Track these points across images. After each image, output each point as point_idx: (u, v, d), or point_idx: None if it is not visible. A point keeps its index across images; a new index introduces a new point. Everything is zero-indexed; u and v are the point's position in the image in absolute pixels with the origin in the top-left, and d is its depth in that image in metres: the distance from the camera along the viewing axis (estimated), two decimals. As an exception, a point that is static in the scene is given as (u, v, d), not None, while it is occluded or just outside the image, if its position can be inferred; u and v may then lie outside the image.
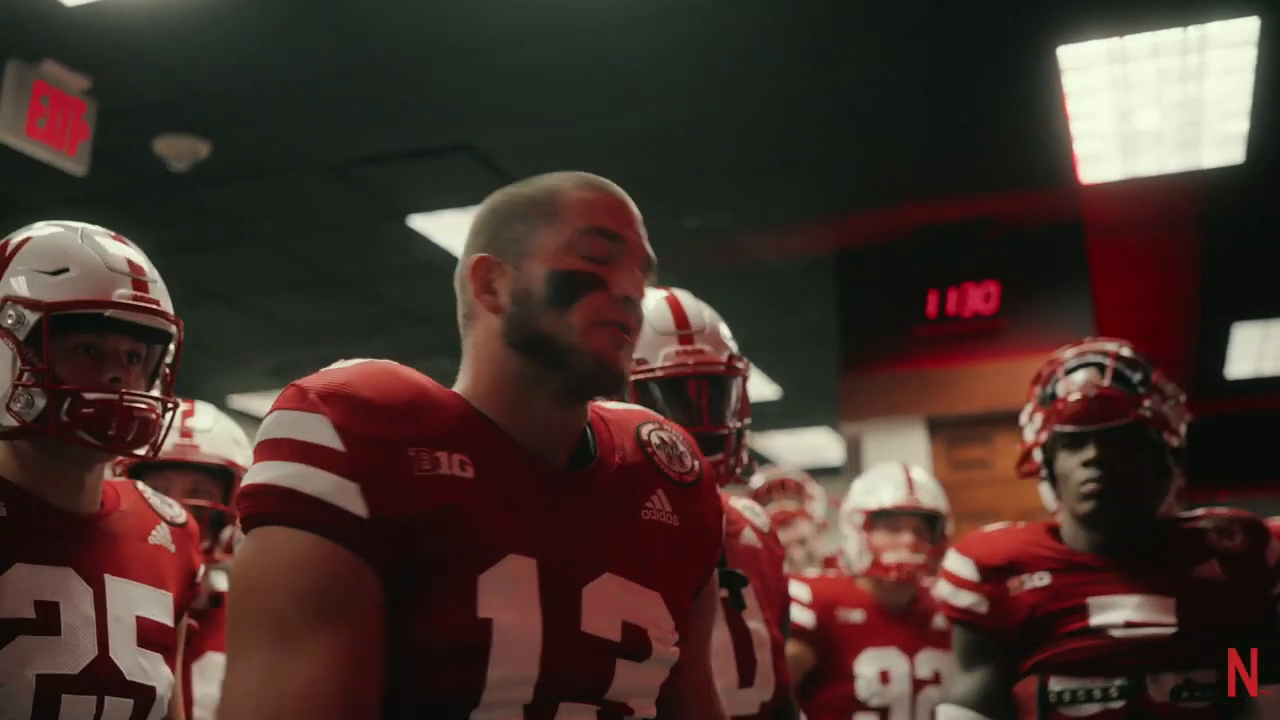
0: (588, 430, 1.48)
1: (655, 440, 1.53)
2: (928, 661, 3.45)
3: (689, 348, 2.13)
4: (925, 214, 6.55)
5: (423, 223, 6.41)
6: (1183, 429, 2.35)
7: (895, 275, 6.84)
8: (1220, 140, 5.67)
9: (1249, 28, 4.76)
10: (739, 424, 2.14)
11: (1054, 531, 2.39)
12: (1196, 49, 4.92)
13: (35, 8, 4.42)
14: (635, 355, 1.77)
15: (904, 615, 3.54)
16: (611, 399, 1.60)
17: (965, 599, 2.36)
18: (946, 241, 6.67)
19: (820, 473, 8.38)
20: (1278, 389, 9.78)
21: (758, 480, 5.00)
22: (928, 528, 3.56)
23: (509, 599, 1.28)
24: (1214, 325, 8.51)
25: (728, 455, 2.09)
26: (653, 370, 2.10)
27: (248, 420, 10.26)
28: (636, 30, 4.72)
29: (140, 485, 2.03)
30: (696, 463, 1.55)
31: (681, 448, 1.55)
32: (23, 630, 1.70)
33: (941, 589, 2.44)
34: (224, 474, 2.78)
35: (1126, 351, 2.37)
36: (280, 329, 8.15)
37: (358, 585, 1.24)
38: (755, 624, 2.13)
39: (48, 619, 1.73)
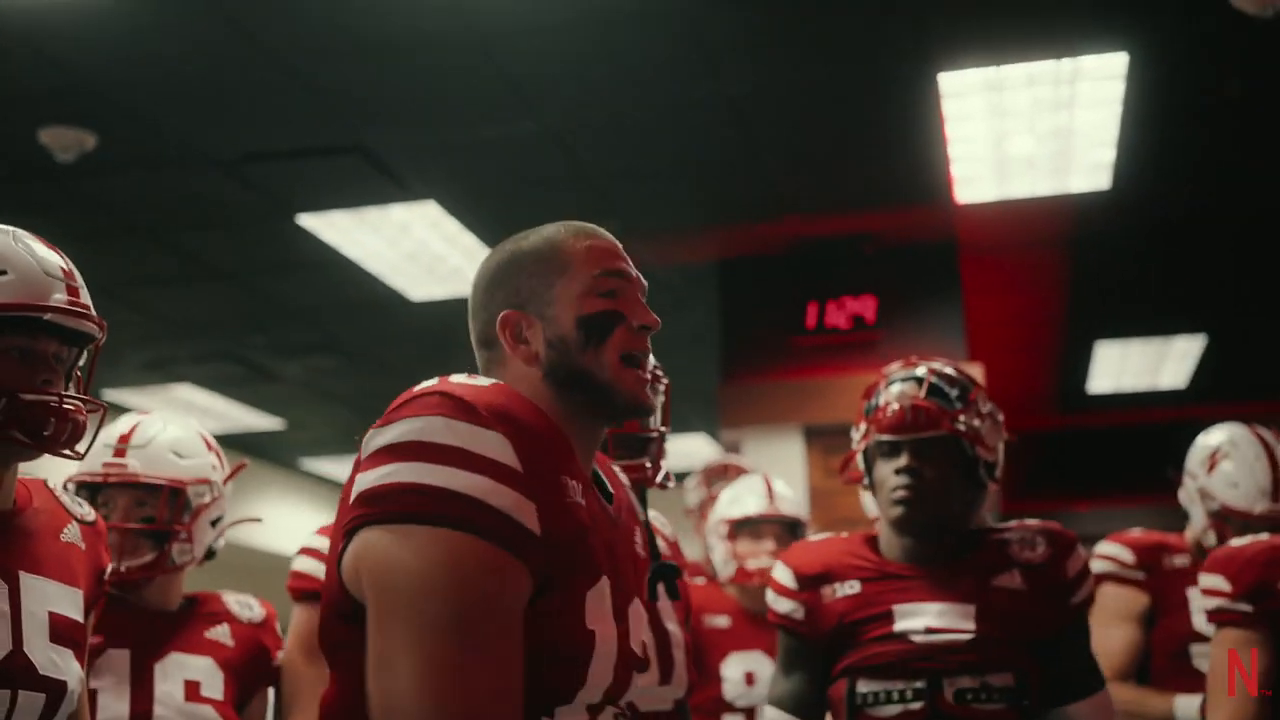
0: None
1: (627, 481, 1.74)
2: None
3: None
4: (807, 227, 6.71)
5: (311, 221, 6.39)
6: (999, 446, 2.47)
7: (776, 286, 6.98)
8: (1089, 167, 5.92)
9: (1118, 62, 4.99)
10: (661, 429, 2.27)
11: (872, 541, 2.50)
12: (1069, 80, 5.14)
13: (-79, -6, 4.36)
14: None
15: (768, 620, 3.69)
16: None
17: (784, 605, 2.48)
18: (826, 255, 6.84)
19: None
20: (1136, 405, 10.17)
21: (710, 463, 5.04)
22: (789, 535, 3.72)
23: (602, 614, 1.44)
24: (1078, 343, 8.83)
25: (653, 460, 2.22)
26: None
27: (120, 413, 10.08)
28: (529, 37, 4.79)
29: (51, 484, 2.06)
30: (640, 505, 1.76)
31: (634, 489, 1.77)
32: None
33: (767, 595, 2.56)
34: (172, 492, 2.68)
35: (947, 369, 2.48)
36: (159, 323, 8.04)
37: (523, 594, 1.36)
38: (672, 625, 2.27)
39: None
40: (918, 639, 2.29)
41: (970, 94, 5.24)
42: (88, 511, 2.06)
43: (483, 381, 1.46)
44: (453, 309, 7.62)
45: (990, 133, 5.58)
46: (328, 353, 8.74)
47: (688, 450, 11.14)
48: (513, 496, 1.35)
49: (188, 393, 9.72)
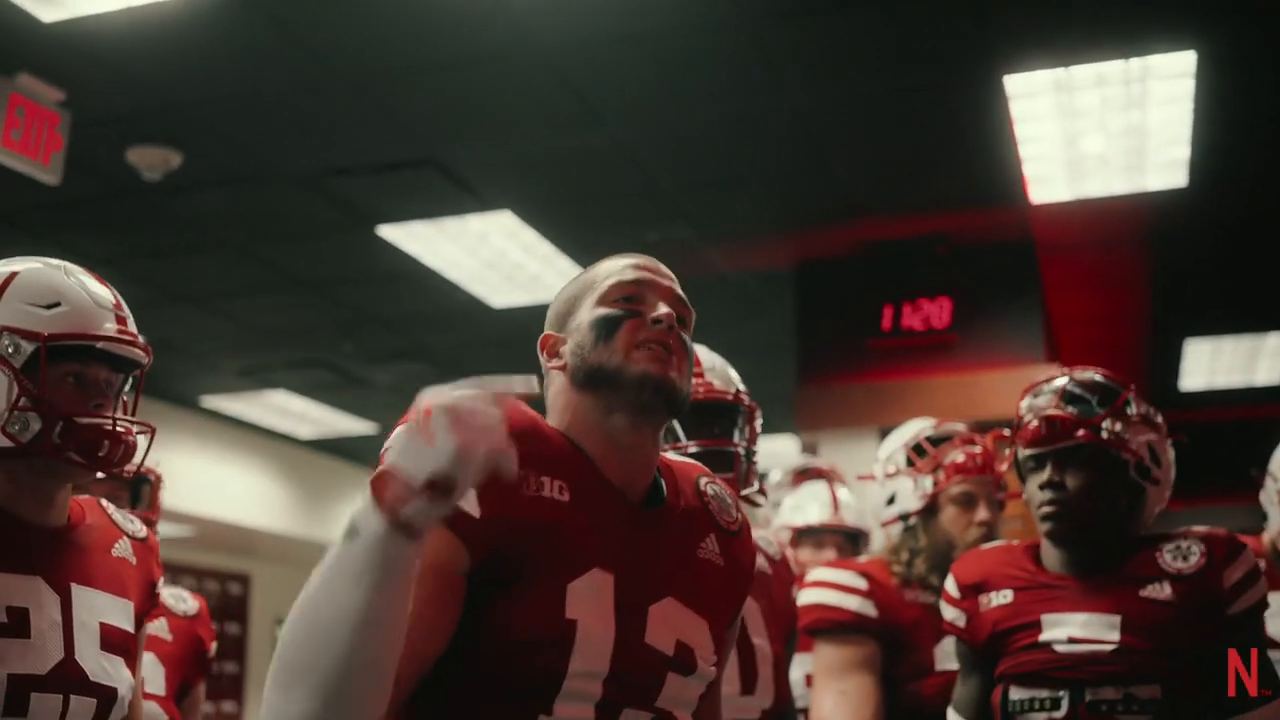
0: (658, 475, 1.74)
1: (710, 491, 1.80)
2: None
3: (700, 380, 2.39)
4: (880, 230, 6.72)
5: (391, 232, 6.55)
6: (1150, 447, 2.42)
7: (851, 289, 7.00)
8: (1164, 165, 5.85)
9: (1187, 61, 4.94)
10: (745, 448, 2.40)
11: (1033, 550, 2.51)
12: (1139, 79, 5.10)
13: (12, 23, 4.54)
14: None
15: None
16: (672, 421, 1.90)
17: (950, 613, 2.53)
18: (901, 257, 6.84)
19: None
20: (1231, 401, 9.99)
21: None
22: (850, 544, 3.79)
23: (591, 605, 1.55)
24: (1166, 341, 8.71)
25: (737, 473, 2.34)
26: None
27: (217, 419, 10.40)
28: (595, 51, 4.88)
29: (104, 502, 2.17)
30: (740, 516, 1.84)
31: (729, 500, 1.83)
32: None
33: (940, 604, 2.60)
34: (137, 481, 2.92)
35: (1092, 376, 2.46)
36: (250, 332, 8.27)
37: (453, 562, 1.51)
38: (759, 640, 2.42)
39: (18, 623, 1.87)
40: (1061, 649, 2.31)
41: (1038, 95, 5.21)
42: (139, 528, 2.18)
43: None
44: (533, 314, 7.69)
45: (1061, 133, 5.54)
46: (415, 359, 8.92)
47: (773, 451, 11.17)
48: None
49: (282, 399, 9.98)
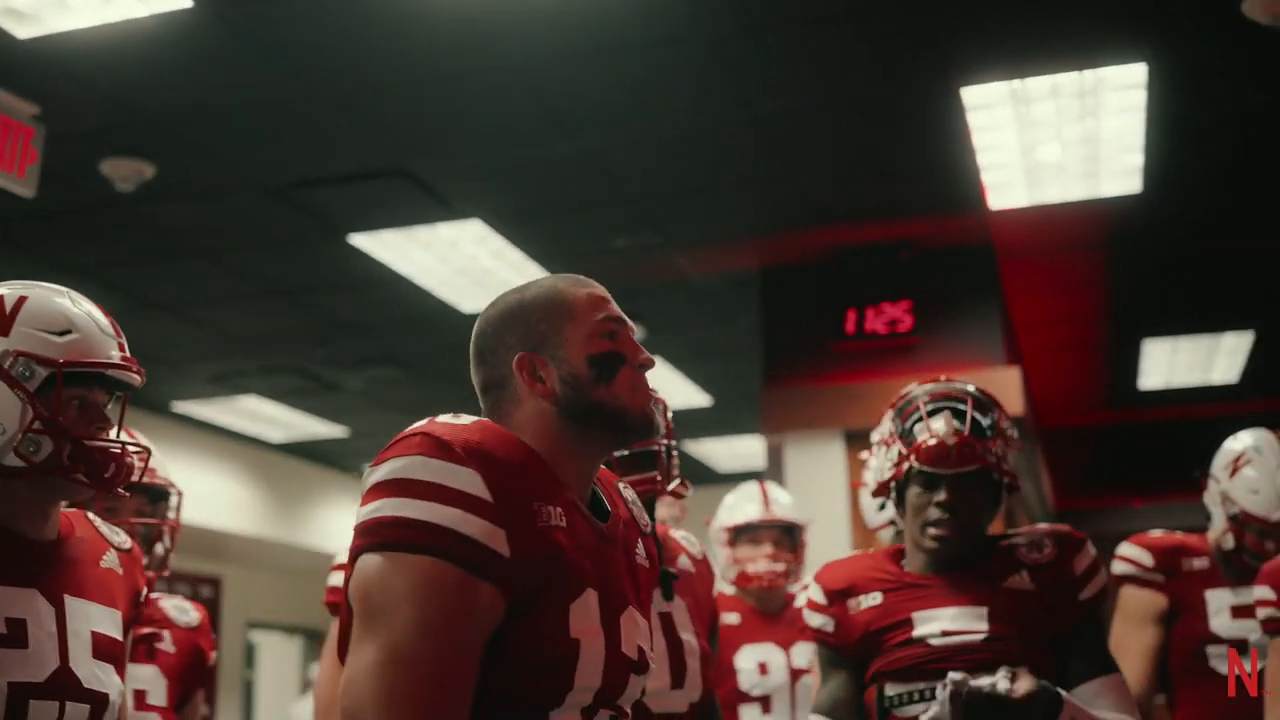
0: (595, 488, 1.81)
1: (629, 497, 1.90)
2: (803, 652, 3.78)
3: None
4: (844, 236, 6.85)
5: (362, 240, 6.63)
6: (1013, 461, 2.60)
7: (815, 293, 7.13)
8: (1119, 172, 6.01)
9: (1139, 72, 5.08)
10: (666, 443, 2.50)
11: (896, 555, 2.65)
12: (1092, 91, 5.24)
13: (-13, 39, 4.62)
14: None
15: (776, 617, 3.91)
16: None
17: (816, 620, 2.64)
18: (864, 262, 6.97)
19: (748, 477, 8.76)
20: (1189, 400, 10.18)
21: None
22: (787, 538, 3.94)
23: (587, 623, 1.62)
24: (1124, 340, 8.88)
25: (660, 470, 2.44)
26: None
27: (190, 424, 10.44)
28: (566, 65, 4.98)
29: (90, 515, 2.27)
30: (648, 517, 1.95)
31: (639, 503, 1.94)
32: None
33: (804, 612, 2.72)
34: (163, 494, 3.06)
35: (979, 394, 2.58)
36: (222, 339, 8.33)
37: (490, 611, 1.54)
38: (687, 635, 2.54)
39: (17, 634, 1.97)
40: (935, 642, 2.44)
41: (995, 106, 5.35)
42: (124, 540, 2.29)
43: (465, 420, 1.63)
44: (504, 320, 7.83)
45: (1018, 141, 5.68)
46: (386, 364, 9.00)
47: (743, 451, 11.30)
48: (482, 525, 1.53)
49: (254, 404, 10.03)
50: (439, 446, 1.56)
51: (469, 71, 5.01)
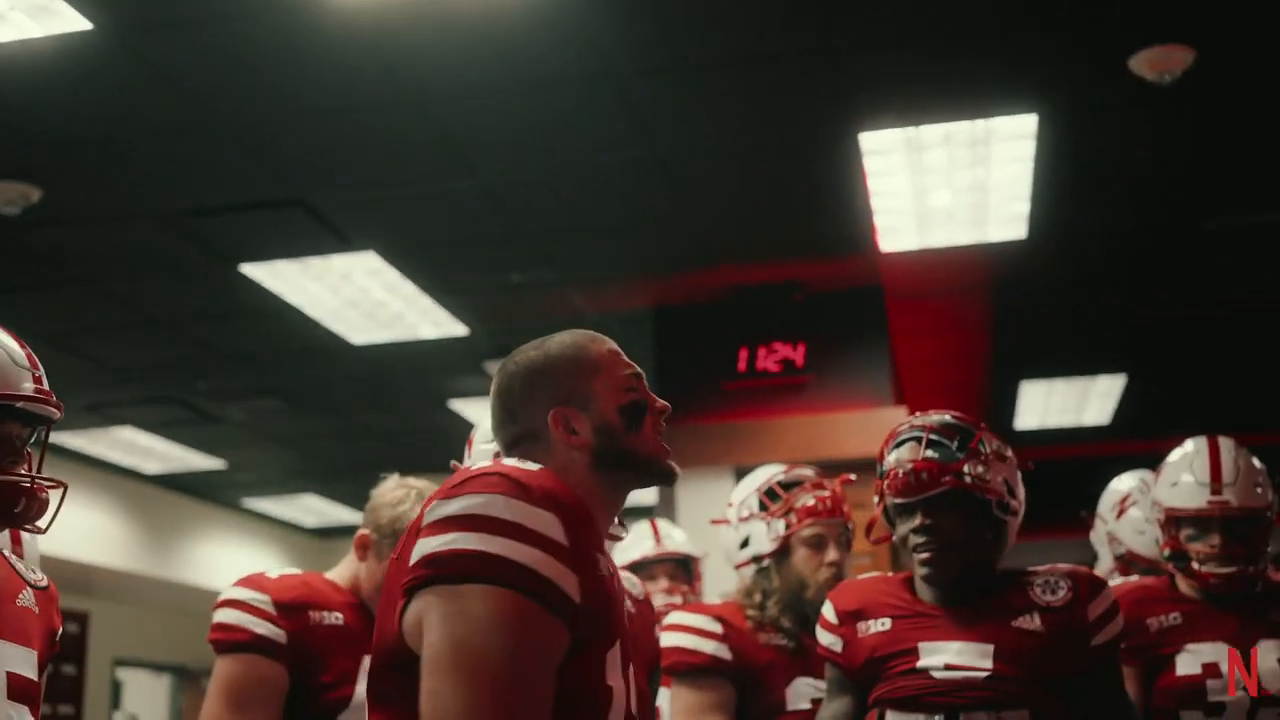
0: None
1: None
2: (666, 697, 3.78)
3: None
4: (738, 276, 6.92)
5: (254, 270, 6.53)
6: (1012, 479, 2.57)
7: (708, 332, 7.19)
8: (1005, 219, 6.18)
9: (1028, 123, 5.24)
10: None
11: (910, 581, 2.65)
12: (983, 140, 5.39)
13: None
14: None
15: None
16: None
17: (826, 638, 2.66)
18: (757, 302, 7.05)
19: (642, 514, 8.77)
20: (1061, 440, 10.44)
21: None
22: (681, 571, 4.00)
23: (617, 672, 1.65)
24: (1003, 382, 9.09)
25: None
26: None
27: (61, 454, 10.14)
28: (465, 100, 4.98)
29: (6, 552, 2.20)
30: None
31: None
32: None
33: (816, 630, 2.73)
34: None
35: (947, 419, 2.59)
36: (101, 369, 8.12)
37: (561, 652, 1.57)
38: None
39: None
40: (937, 675, 2.44)
41: (890, 152, 5.47)
42: (40, 577, 2.22)
43: (533, 466, 1.66)
44: (392, 351, 7.77)
45: (910, 187, 5.81)
46: (270, 395, 8.85)
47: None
48: (560, 568, 1.56)
49: (130, 434, 9.79)
50: (518, 488, 1.60)
51: (368, 104, 4.99)
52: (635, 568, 3.89)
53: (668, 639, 3.36)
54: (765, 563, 3.17)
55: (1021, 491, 2.59)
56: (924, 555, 2.51)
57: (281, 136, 5.24)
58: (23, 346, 2.11)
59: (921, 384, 8.71)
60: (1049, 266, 6.90)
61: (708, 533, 6.74)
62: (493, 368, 8.04)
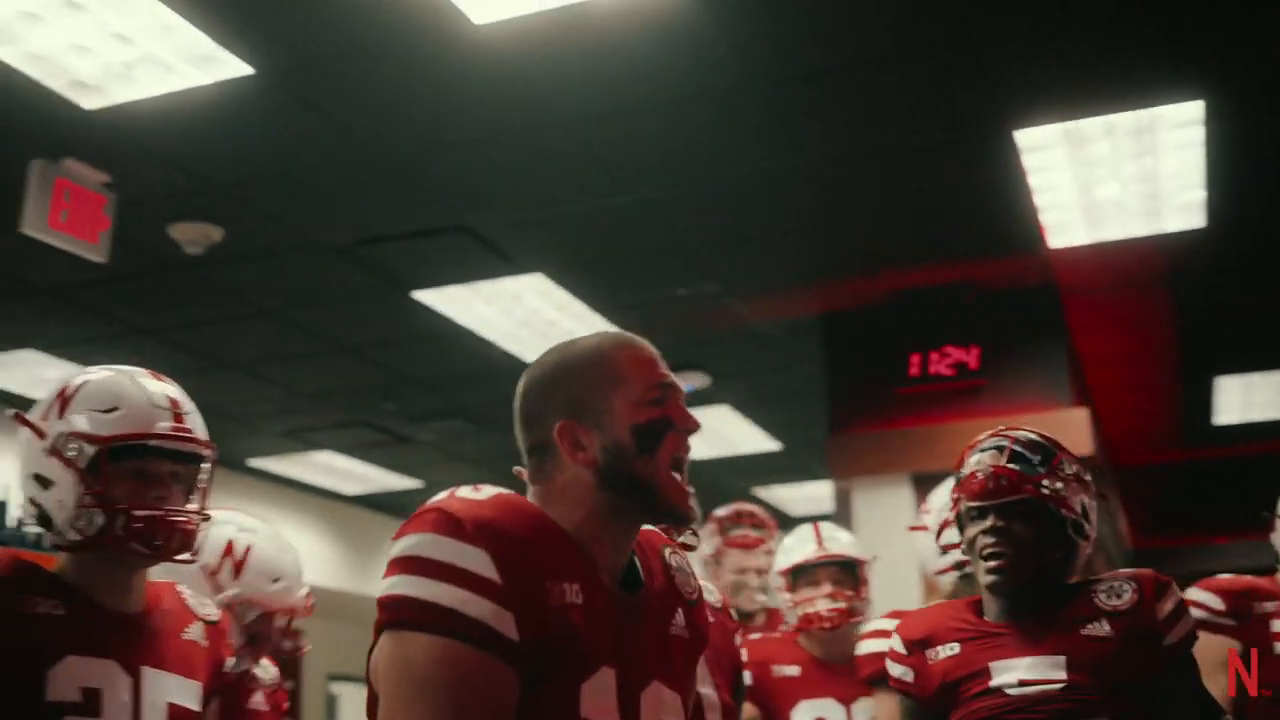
0: (633, 555, 1.76)
1: (674, 564, 1.84)
2: (864, 710, 3.66)
3: None
4: (905, 280, 6.83)
5: (426, 296, 6.73)
6: (1082, 505, 2.56)
7: (878, 338, 7.11)
8: (1180, 208, 5.94)
9: (1195, 110, 5.04)
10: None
11: (974, 605, 2.63)
12: (1149, 129, 5.20)
13: (56, 110, 4.75)
14: None
15: (841, 667, 3.75)
16: None
17: (896, 670, 2.64)
18: (927, 305, 6.94)
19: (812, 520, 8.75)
20: (1264, 435, 9.99)
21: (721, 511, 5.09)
22: (846, 575, 3.83)
23: (600, 703, 1.58)
24: (1195, 377, 8.75)
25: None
26: None
27: (265, 478, 10.60)
28: (616, 120, 5.04)
29: (181, 587, 2.35)
30: (697, 583, 1.88)
31: (688, 569, 1.87)
32: (69, 712, 2.03)
33: (886, 662, 2.71)
34: None
35: (1031, 436, 2.59)
36: (294, 396, 8.47)
37: (507, 691, 1.51)
38: (706, 689, 2.48)
39: (91, 703, 2.05)
40: (1012, 692, 2.41)
41: (1049, 147, 5.33)
42: (211, 611, 2.35)
43: (484, 493, 1.61)
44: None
45: (1075, 181, 5.65)
46: (454, 416, 9.08)
47: (814, 495, 11.25)
48: (492, 608, 1.50)
49: (328, 458, 10.17)
50: (451, 524, 1.54)
51: (520, 129, 5.08)
52: (796, 572, 3.84)
53: (868, 646, 3.33)
54: (968, 569, 3.08)
55: (1095, 519, 2.59)
56: (992, 563, 2.49)
57: (440, 165, 5.39)
58: (169, 388, 2.25)
59: (1108, 382, 8.46)
60: (1233, 254, 6.61)
61: (883, 541, 6.69)
62: (669, 382, 8.10)
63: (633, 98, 4.88)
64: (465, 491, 1.62)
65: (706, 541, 4.75)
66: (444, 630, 1.50)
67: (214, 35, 4.35)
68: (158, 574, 2.35)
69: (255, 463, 10.15)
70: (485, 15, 4.28)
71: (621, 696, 1.61)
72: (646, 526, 1.84)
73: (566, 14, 4.27)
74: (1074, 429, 6.47)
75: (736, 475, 10.74)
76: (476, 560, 1.52)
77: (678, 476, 1.71)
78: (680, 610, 1.79)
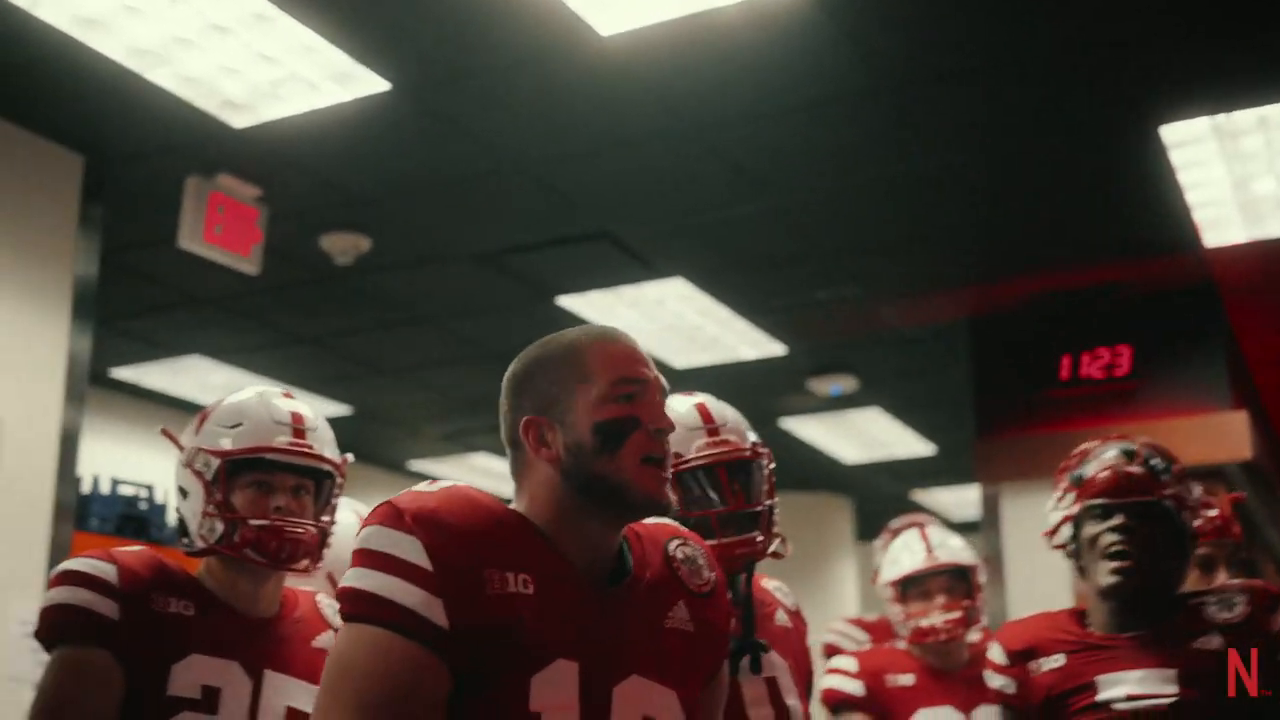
0: (624, 545, 1.75)
1: (680, 555, 1.80)
2: (985, 716, 3.55)
3: (716, 439, 2.39)
4: (1053, 281, 6.68)
5: (570, 302, 6.82)
6: (1197, 521, 2.54)
7: (1026, 340, 6.98)
8: (1346, 202, 5.70)
9: (1354, 99, 4.84)
10: (769, 503, 2.39)
11: (1079, 615, 2.58)
12: (1305, 120, 5.01)
13: (209, 129, 4.96)
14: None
15: (958, 675, 3.66)
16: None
17: (997, 681, 2.61)
18: (1076, 307, 6.78)
19: (963, 528, 8.53)
20: None
21: (896, 523, 4.88)
22: (959, 584, 3.69)
23: (555, 697, 1.55)
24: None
25: (763, 532, 2.34)
26: (688, 461, 2.36)
27: (425, 481, 10.82)
28: (752, 125, 5.04)
29: (320, 596, 2.45)
30: (713, 575, 1.83)
31: (701, 561, 1.82)
32: (186, 707, 2.14)
33: (985, 673, 2.68)
34: None
35: (1158, 445, 2.57)
36: (450, 400, 8.66)
37: (433, 679, 1.52)
38: (792, 701, 2.43)
39: (209, 700, 2.16)
40: (1120, 706, 2.38)
41: (1198, 142, 5.16)
42: None
43: (437, 486, 1.64)
44: (716, 374, 7.89)
45: (1229, 176, 5.46)
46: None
47: (962, 500, 11.07)
48: (420, 594, 1.52)
49: (485, 460, 10.36)
50: (392, 515, 1.57)
51: (653, 136, 5.12)
52: (906, 584, 3.72)
53: (828, 681, 3.26)
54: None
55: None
56: (1117, 563, 2.44)
57: (576, 173, 5.46)
58: (297, 406, 2.37)
59: (1277, 382, 8.13)
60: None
61: (1034, 548, 6.55)
62: (815, 385, 8.06)
63: (760, 102, 4.87)
64: (422, 486, 1.65)
65: (877, 554, 4.67)
66: (379, 620, 1.53)
67: (352, 53, 4.49)
68: (312, 583, 2.51)
69: (416, 465, 10.40)
70: (611, 27, 4.34)
71: (586, 690, 1.58)
72: (659, 521, 1.82)
73: (691, 22, 4.30)
74: (1233, 432, 6.27)
75: (893, 479, 10.61)
76: (409, 548, 1.54)
77: (650, 468, 1.67)
78: (682, 603, 1.75)
